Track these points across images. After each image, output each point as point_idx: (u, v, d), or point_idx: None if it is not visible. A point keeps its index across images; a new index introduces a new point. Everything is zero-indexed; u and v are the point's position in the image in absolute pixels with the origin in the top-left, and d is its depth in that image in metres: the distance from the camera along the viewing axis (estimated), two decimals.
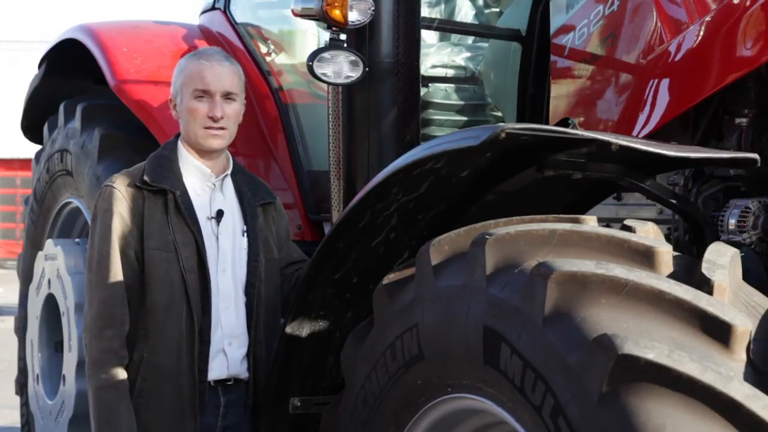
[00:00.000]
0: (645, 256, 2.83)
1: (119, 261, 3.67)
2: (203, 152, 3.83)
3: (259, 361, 3.81)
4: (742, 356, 2.61)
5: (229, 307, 3.78)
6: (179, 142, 3.86)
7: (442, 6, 5.38)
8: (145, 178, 3.75)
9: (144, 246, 3.70)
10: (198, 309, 3.70)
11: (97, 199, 3.79)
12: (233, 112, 3.82)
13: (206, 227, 3.78)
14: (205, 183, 3.83)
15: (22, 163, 20.06)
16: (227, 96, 3.80)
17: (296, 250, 4.06)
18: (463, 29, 5.18)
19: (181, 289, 3.69)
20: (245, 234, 3.84)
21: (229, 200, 3.86)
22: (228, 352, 3.77)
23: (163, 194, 3.75)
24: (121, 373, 3.65)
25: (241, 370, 3.80)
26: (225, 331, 3.76)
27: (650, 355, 2.53)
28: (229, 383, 3.79)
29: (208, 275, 3.72)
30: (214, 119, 3.77)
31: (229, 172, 3.88)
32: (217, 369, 3.76)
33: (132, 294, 3.69)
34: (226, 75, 3.81)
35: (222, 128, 3.79)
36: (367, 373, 3.34)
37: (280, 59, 5.31)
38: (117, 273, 3.67)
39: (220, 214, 3.80)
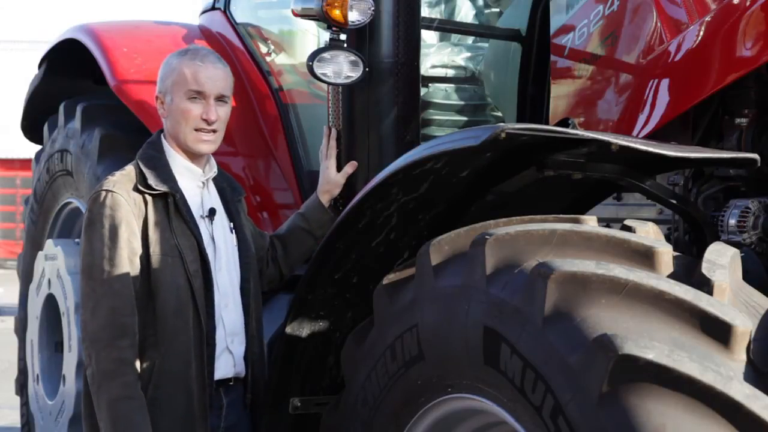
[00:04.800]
0: (645, 256, 2.83)
1: (128, 269, 3.60)
2: (192, 153, 3.80)
3: (255, 357, 3.80)
4: (742, 356, 2.61)
5: (229, 305, 3.77)
6: (164, 141, 3.81)
7: (442, 6, 5.38)
8: (149, 182, 3.68)
9: (150, 252, 3.63)
10: (204, 312, 3.68)
11: (93, 204, 3.67)
12: (225, 114, 3.80)
13: (202, 227, 3.76)
14: (195, 183, 3.79)
15: (22, 163, 20.07)
16: (220, 98, 3.79)
17: (260, 232, 4.09)
18: (463, 29, 5.18)
19: (188, 293, 3.66)
20: (233, 230, 3.83)
21: (215, 198, 3.84)
22: (232, 350, 3.76)
23: (163, 198, 3.69)
24: (137, 383, 3.57)
25: (243, 368, 3.80)
26: (227, 329, 3.75)
27: (650, 355, 2.53)
28: (230, 383, 3.78)
29: (211, 277, 3.71)
30: (208, 122, 3.75)
31: (215, 170, 3.85)
32: (223, 368, 3.74)
33: (139, 301, 3.62)
34: (220, 78, 3.79)
35: (213, 131, 3.76)
36: (367, 373, 3.34)
37: (280, 59, 5.31)
38: (126, 281, 3.59)
39: (212, 212, 3.78)
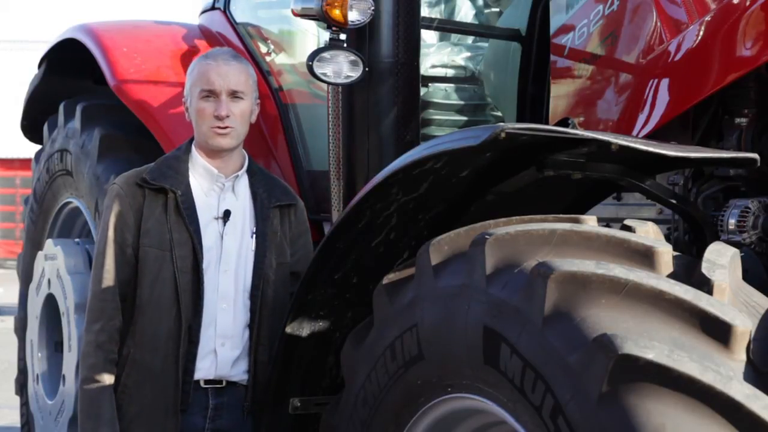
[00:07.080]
0: (645, 256, 2.83)
1: (113, 257, 3.74)
2: (213, 152, 3.82)
3: (259, 364, 3.79)
4: (742, 356, 2.61)
5: (228, 307, 3.77)
6: (192, 145, 3.88)
7: (442, 6, 5.38)
8: (145, 176, 3.78)
9: (140, 242, 3.75)
10: (188, 308, 3.71)
11: (105, 198, 3.88)
12: (240, 110, 3.80)
13: (211, 227, 3.78)
14: (213, 183, 3.83)
15: (22, 163, 20.05)
16: (233, 95, 3.79)
17: (303, 262, 3.86)
18: (463, 29, 5.18)
19: (172, 287, 3.71)
20: (254, 235, 3.83)
21: (241, 201, 3.85)
22: (219, 352, 3.76)
23: (164, 193, 3.77)
24: (105, 367, 3.71)
25: (233, 372, 3.78)
26: (219, 331, 3.75)
27: (650, 355, 2.53)
28: (221, 386, 3.77)
29: (201, 275, 3.72)
30: (219, 118, 3.76)
31: (240, 172, 3.86)
32: (206, 369, 3.75)
33: (127, 290, 3.74)
34: (231, 74, 3.80)
35: (228, 127, 3.78)
36: (367, 373, 3.34)
37: (280, 59, 5.31)
38: (110, 268, 3.74)
39: (227, 214, 3.80)
